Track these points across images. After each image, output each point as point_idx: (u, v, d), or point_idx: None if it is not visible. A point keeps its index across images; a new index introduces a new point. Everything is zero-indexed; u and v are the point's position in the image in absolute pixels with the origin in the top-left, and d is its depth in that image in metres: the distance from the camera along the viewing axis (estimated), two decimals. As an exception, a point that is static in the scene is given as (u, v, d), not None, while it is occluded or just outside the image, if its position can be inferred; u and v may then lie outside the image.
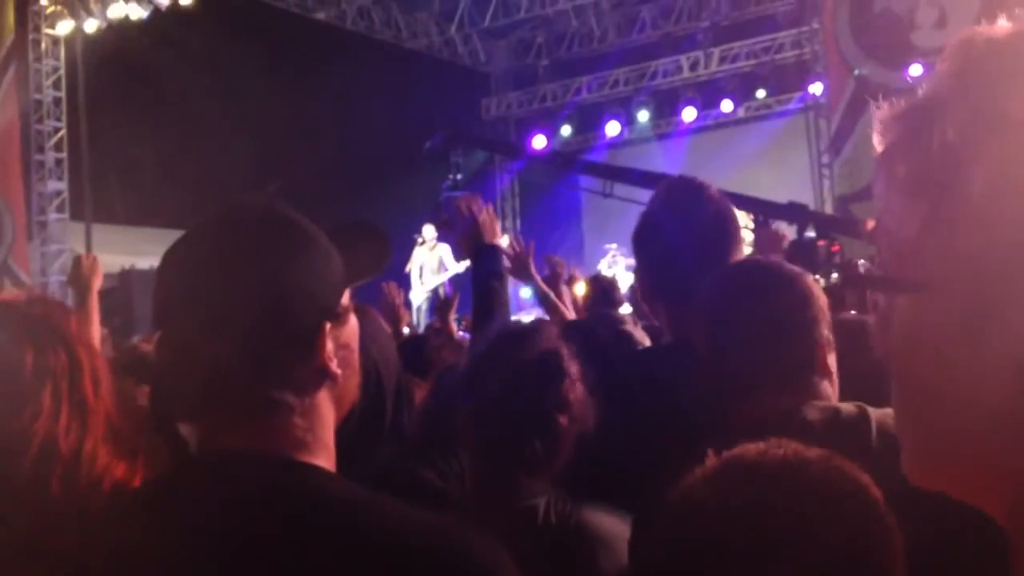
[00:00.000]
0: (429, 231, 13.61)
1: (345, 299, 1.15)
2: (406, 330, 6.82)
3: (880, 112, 0.58)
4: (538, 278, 4.16)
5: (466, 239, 2.61)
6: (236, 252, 1.07)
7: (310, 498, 1.03)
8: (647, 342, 3.47)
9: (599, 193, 11.33)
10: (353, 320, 1.18)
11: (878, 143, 0.59)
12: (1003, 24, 0.54)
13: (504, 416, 1.69)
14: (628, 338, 3.53)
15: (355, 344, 1.18)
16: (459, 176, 16.12)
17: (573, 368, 1.72)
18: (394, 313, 5.05)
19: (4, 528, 1.28)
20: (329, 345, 1.09)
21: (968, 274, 0.53)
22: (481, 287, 2.52)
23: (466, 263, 13.71)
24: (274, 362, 1.06)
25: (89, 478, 1.34)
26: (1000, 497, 0.54)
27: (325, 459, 1.10)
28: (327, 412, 1.11)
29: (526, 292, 15.59)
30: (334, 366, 1.09)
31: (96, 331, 3.24)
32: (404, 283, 13.39)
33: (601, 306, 4.50)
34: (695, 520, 1.03)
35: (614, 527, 1.62)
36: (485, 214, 2.61)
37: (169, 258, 1.12)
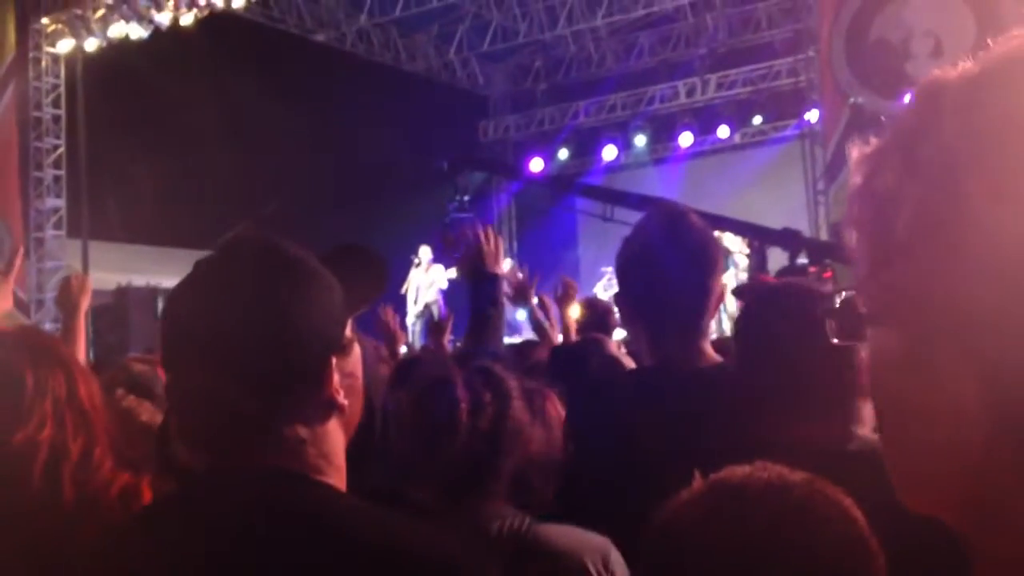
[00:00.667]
0: (425, 253, 13.64)
1: (348, 330, 1.17)
2: (403, 350, 6.83)
3: (852, 153, 0.61)
4: (535, 307, 4.23)
5: (467, 263, 2.65)
6: (243, 294, 1.09)
7: (317, 510, 1.06)
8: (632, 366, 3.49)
9: (599, 216, 11.37)
10: (357, 349, 1.20)
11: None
12: (963, 67, 0.57)
13: (411, 450, 1.77)
14: (613, 363, 3.54)
15: (359, 372, 1.21)
16: (466, 198, 16.19)
17: (490, 391, 1.74)
18: (390, 335, 5.07)
19: (21, 532, 1.29)
20: (336, 377, 1.11)
21: (906, 309, 0.57)
22: (478, 315, 2.57)
23: (450, 275, 13.75)
24: (284, 400, 1.08)
25: (97, 482, 1.36)
26: (952, 510, 0.57)
27: (337, 479, 1.13)
28: (337, 438, 1.14)
29: (522, 314, 15.63)
30: (341, 397, 1.12)
31: (81, 351, 3.21)
32: (400, 304, 13.40)
33: (594, 330, 4.50)
34: (680, 542, 1.04)
35: (569, 540, 1.64)
36: (490, 241, 2.64)
37: (174, 298, 1.13)
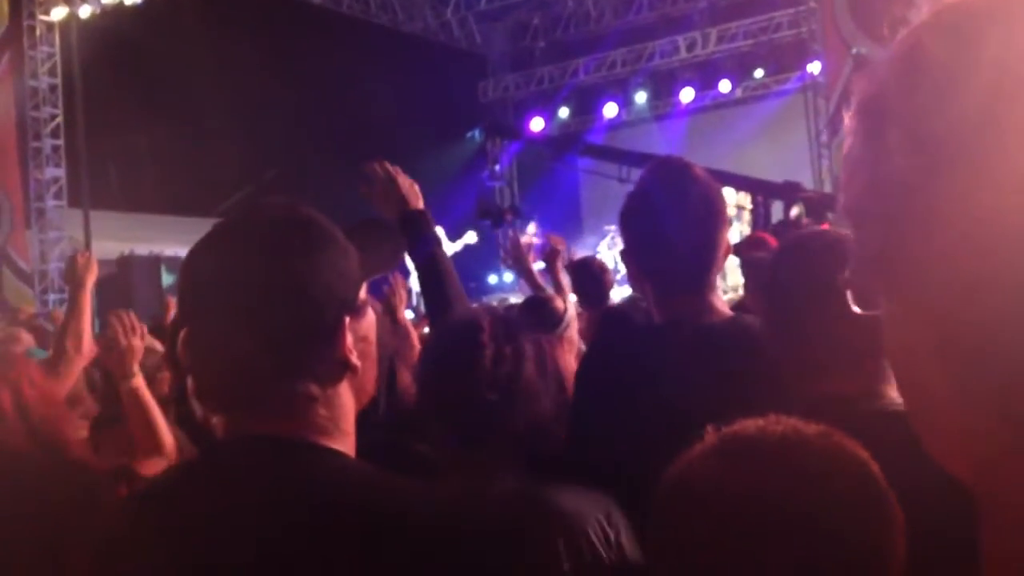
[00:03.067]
0: None
1: (362, 294, 1.19)
2: (410, 314, 6.85)
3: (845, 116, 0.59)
4: (535, 276, 4.22)
5: (385, 202, 2.38)
6: (258, 251, 1.11)
7: (330, 477, 1.07)
8: None
9: (614, 178, 11.31)
10: (371, 313, 1.22)
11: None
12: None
13: (426, 394, 1.74)
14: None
15: (373, 337, 1.22)
16: (497, 167, 16.17)
17: (511, 346, 1.70)
18: (392, 303, 5.13)
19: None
20: (349, 338, 1.13)
21: (878, 275, 0.57)
22: (422, 258, 2.30)
23: (461, 243, 13.64)
24: (297, 356, 1.10)
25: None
26: (968, 465, 0.56)
27: (346, 446, 1.14)
28: (348, 402, 1.16)
29: (508, 276, 15.62)
30: (354, 358, 1.13)
31: (87, 326, 3.36)
32: (402, 269, 13.39)
33: (589, 290, 4.48)
34: (691, 497, 1.03)
35: (572, 500, 1.64)
36: (404, 177, 2.40)
37: (193, 258, 1.15)
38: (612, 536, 1.61)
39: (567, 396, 1.90)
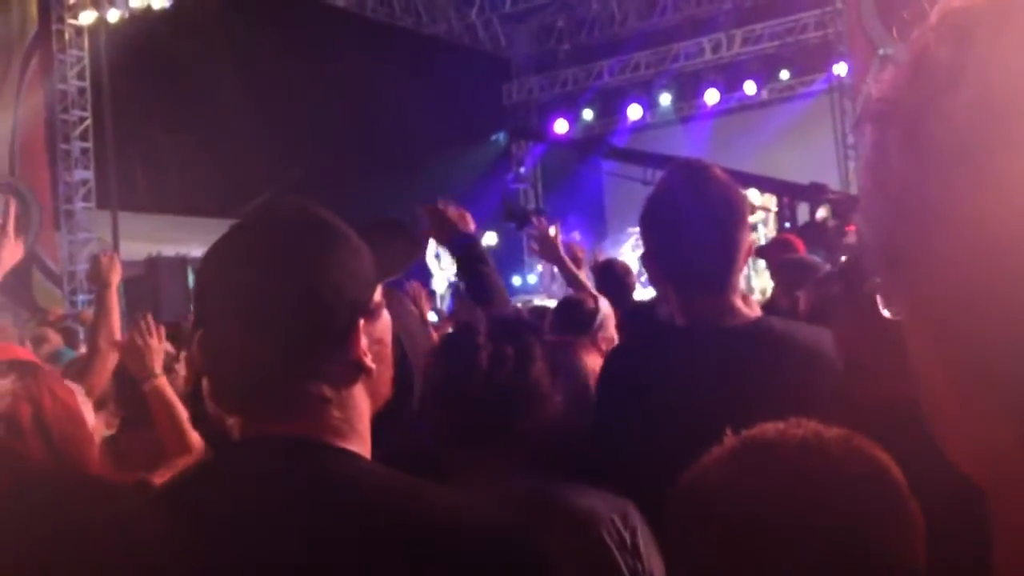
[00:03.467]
0: None
1: (378, 295, 1.18)
2: (432, 317, 6.87)
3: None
4: (568, 263, 4.18)
5: (441, 230, 2.76)
6: (273, 252, 1.11)
7: (344, 478, 1.06)
8: None
9: (638, 181, 11.28)
10: (386, 315, 1.21)
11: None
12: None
13: (430, 396, 1.77)
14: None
15: (388, 339, 1.22)
16: (522, 169, 16.18)
17: (513, 346, 1.72)
18: (416, 305, 5.18)
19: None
20: (363, 340, 1.12)
21: (892, 280, 0.57)
22: (472, 271, 2.67)
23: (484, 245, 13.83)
24: (310, 358, 1.10)
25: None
26: (977, 466, 0.56)
27: (360, 447, 1.14)
28: (362, 404, 1.15)
29: (532, 277, 15.58)
30: (368, 361, 1.12)
31: (116, 324, 3.42)
32: (424, 270, 13.44)
33: (612, 292, 4.47)
34: (709, 501, 1.01)
35: (587, 500, 1.63)
36: (452, 210, 2.78)
37: (209, 259, 1.15)
38: (628, 538, 1.59)
39: (590, 396, 1.89)
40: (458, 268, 2.76)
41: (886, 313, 0.61)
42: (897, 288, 0.58)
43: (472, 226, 2.81)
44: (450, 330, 4.83)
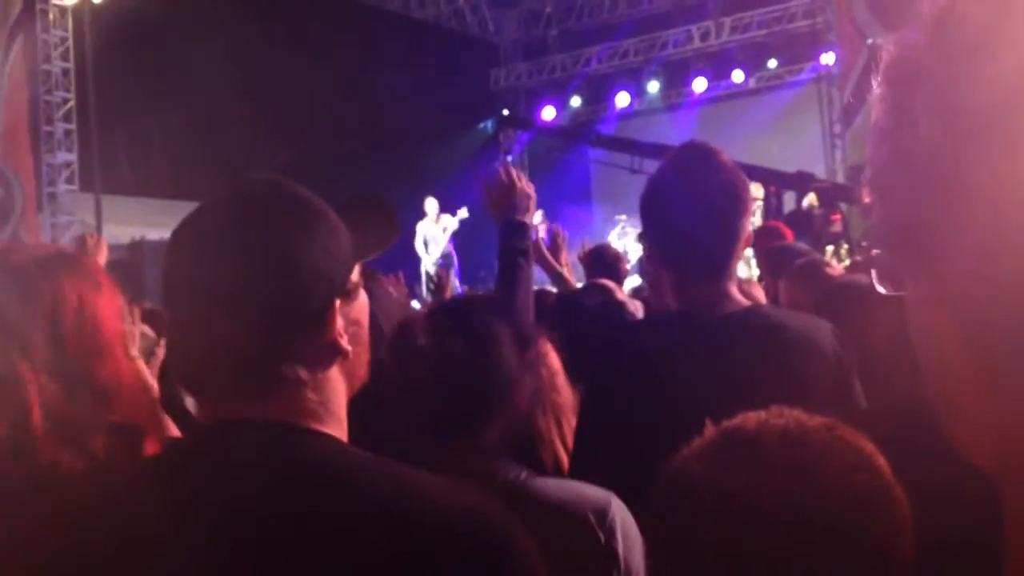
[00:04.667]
0: (432, 204, 13.63)
1: (355, 276, 1.14)
2: (414, 303, 6.85)
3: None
4: (554, 264, 4.15)
5: (499, 203, 2.55)
6: (245, 230, 1.06)
7: (320, 460, 1.04)
8: (639, 315, 3.44)
9: (625, 168, 11.27)
10: (363, 296, 1.17)
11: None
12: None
13: (399, 381, 1.71)
14: (620, 308, 3.50)
15: (365, 320, 1.18)
16: (509, 157, 16.12)
17: (481, 331, 1.67)
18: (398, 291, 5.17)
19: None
20: (339, 321, 1.08)
21: (900, 250, 0.55)
22: (508, 263, 2.45)
23: (455, 220, 13.82)
24: (284, 339, 1.06)
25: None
26: (991, 453, 0.54)
27: (336, 430, 1.11)
28: (339, 386, 1.12)
29: None
30: (344, 342, 1.09)
31: None
32: (414, 254, 13.42)
33: (603, 278, 4.46)
34: (690, 494, 0.99)
35: (567, 493, 1.59)
36: (523, 185, 2.55)
37: (178, 237, 1.11)
38: (602, 537, 1.55)
39: (562, 385, 1.86)
40: (500, 256, 2.47)
41: (881, 289, 0.58)
42: (913, 264, 0.55)
43: (531, 215, 2.56)
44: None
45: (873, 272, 0.59)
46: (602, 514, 1.56)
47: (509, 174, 2.54)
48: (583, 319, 3.52)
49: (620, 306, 3.52)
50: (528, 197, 2.55)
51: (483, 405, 1.63)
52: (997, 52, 0.47)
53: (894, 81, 0.54)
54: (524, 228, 2.51)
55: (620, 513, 1.58)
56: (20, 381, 1.41)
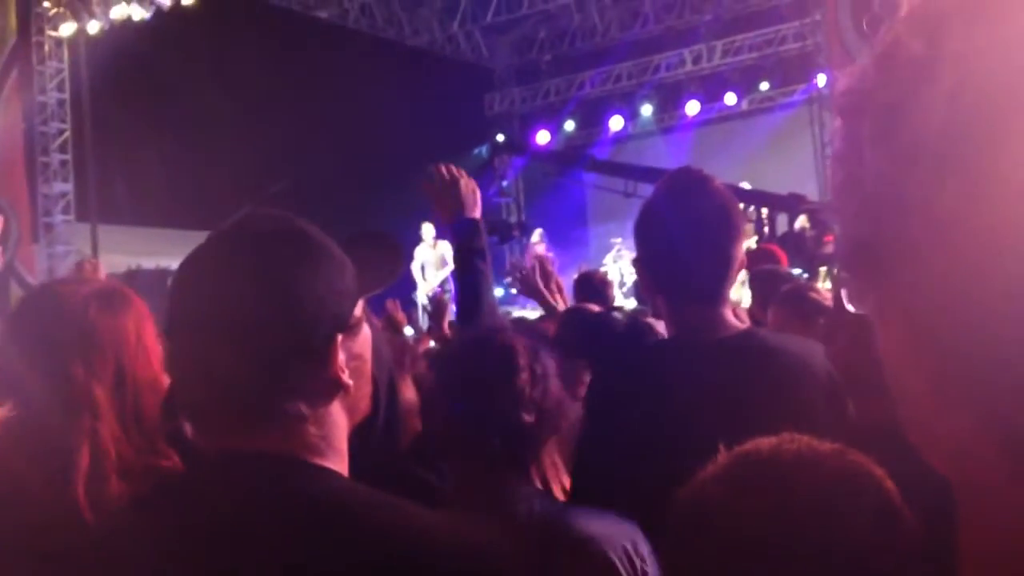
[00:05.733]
0: (428, 229, 13.62)
1: (358, 310, 1.15)
2: (408, 331, 6.86)
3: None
4: (547, 297, 4.13)
5: (443, 203, 2.42)
6: (249, 264, 1.07)
7: (319, 496, 1.04)
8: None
9: (620, 193, 11.30)
10: (366, 330, 1.18)
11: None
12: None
13: (462, 415, 1.66)
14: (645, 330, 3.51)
15: (367, 355, 1.18)
16: (504, 183, 16.17)
17: (540, 365, 1.67)
18: (393, 324, 5.21)
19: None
20: (341, 356, 1.09)
21: (861, 269, 0.57)
22: (468, 266, 2.34)
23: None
24: (287, 374, 1.06)
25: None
26: (947, 462, 0.56)
27: (338, 464, 1.11)
28: (340, 420, 1.12)
29: (499, 291, 15.65)
30: (346, 377, 1.09)
31: None
32: (407, 281, 13.40)
33: (591, 302, 4.46)
34: (705, 518, 1.01)
35: (599, 528, 1.59)
36: (466, 183, 2.42)
37: (183, 270, 1.11)
38: (638, 565, 1.56)
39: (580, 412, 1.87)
40: (455, 259, 2.37)
41: (850, 308, 0.60)
42: (868, 283, 0.57)
43: (479, 210, 2.42)
44: (431, 344, 4.80)
45: (843, 292, 0.61)
46: (635, 542, 1.58)
47: (451, 171, 2.44)
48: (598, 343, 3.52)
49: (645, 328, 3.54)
50: (474, 192, 2.43)
51: (537, 441, 1.65)
52: (936, 83, 0.50)
53: (845, 110, 0.57)
54: (476, 226, 2.40)
55: (645, 545, 1.60)
56: (99, 415, 1.43)
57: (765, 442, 1.05)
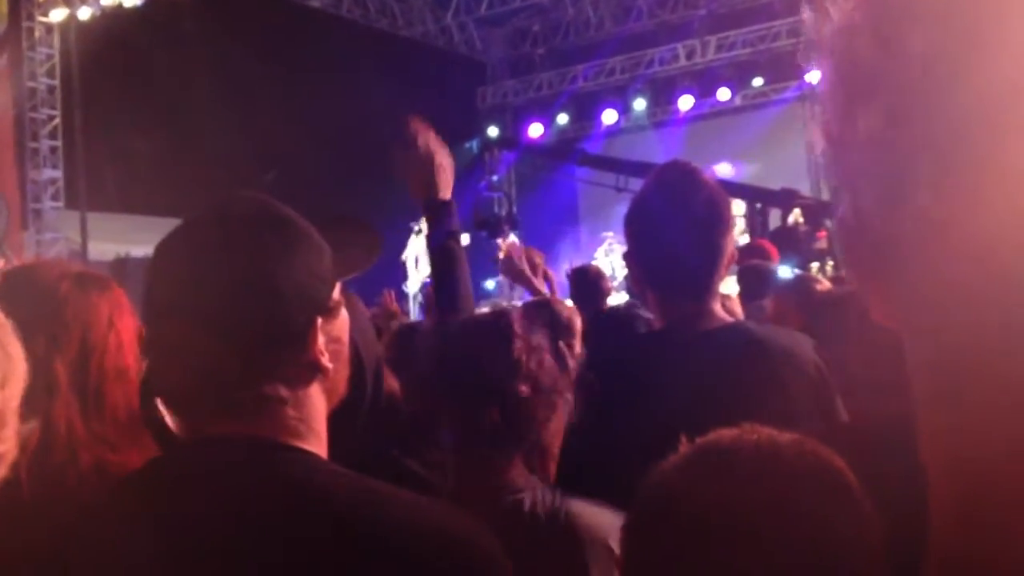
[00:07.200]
0: (421, 222, 13.56)
1: (336, 294, 1.15)
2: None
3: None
4: (532, 280, 4.13)
5: (414, 178, 2.31)
6: (227, 249, 1.07)
7: (299, 477, 1.03)
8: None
9: (611, 187, 11.31)
10: (344, 314, 1.18)
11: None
12: None
13: (454, 386, 1.64)
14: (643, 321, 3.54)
15: (346, 338, 1.18)
16: (495, 177, 16.18)
17: (535, 338, 1.65)
18: (388, 314, 5.24)
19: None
20: (320, 340, 1.09)
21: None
22: (445, 251, 2.26)
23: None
24: (266, 358, 1.06)
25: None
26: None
27: (317, 447, 1.11)
28: (319, 403, 1.12)
29: (491, 283, 15.71)
30: (325, 360, 1.09)
31: None
32: (400, 272, 13.39)
33: (587, 296, 4.48)
34: (670, 510, 1.01)
35: (603, 520, 1.59)
36: (442, 158, 2.31)
37: (160, 255, 1.11)
38: None
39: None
40: (432, 246, 2.27)
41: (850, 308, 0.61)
42: (873, 288, 0.57)
43: (450, 191, 2.30)
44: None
45: (848, 271, 0.62)
46: None
47: (428, 142, 2.31)
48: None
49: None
50: (447, 170, 2.32)
51: (534, 420, 1.63)
52: (872, 99, 0.52)
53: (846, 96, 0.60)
54: (451, 208, 2.30)
55: None
56: (55, 389, 1.41)
57: (726, 433, 1.06)
